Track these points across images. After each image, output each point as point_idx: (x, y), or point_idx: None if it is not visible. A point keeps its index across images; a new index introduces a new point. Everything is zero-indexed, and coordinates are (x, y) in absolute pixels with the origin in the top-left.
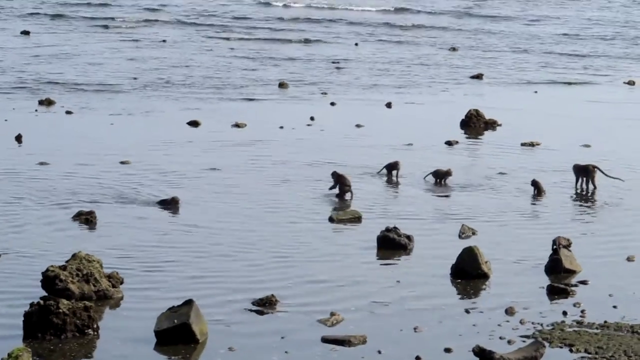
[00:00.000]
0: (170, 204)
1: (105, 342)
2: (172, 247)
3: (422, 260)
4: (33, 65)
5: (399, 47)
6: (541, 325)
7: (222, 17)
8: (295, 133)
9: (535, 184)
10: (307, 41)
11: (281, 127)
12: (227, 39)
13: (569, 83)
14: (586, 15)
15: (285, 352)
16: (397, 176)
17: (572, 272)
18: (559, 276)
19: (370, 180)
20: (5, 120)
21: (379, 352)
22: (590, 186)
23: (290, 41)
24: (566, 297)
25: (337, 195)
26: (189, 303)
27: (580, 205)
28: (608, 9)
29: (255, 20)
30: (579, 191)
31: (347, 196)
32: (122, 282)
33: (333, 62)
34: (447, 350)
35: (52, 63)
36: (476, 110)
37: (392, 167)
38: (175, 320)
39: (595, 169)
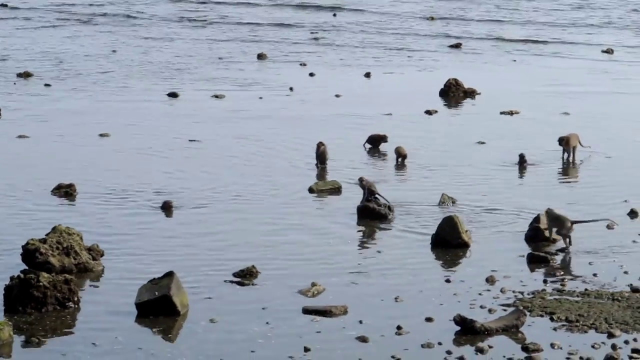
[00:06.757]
0: (164, 209)
1: (86, 315)
2: (153, 219)
3: (402, 230)
4: (11, 39)
5: (377, 16)
6: (522, 293)
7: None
8: (275, 103)
9: (521, 157)
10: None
11: (260, 98)
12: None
13: (546, 42)
14: None
15: (267, 323)
16: (365, 146)
17: (552, 241)
18: (539, 244)
19: (352, 151)
20: None
21: (360, 322)
22: (567, 156)
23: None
24: (547, 266)
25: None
26: (169, 275)
27: (560, 174)
28: None
29: None
30: (570, 159)
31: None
32: (102, 255)
33: (311, 33)
34: (428, 319)
35: (29, 37)
36: (455, 80)
37: (374, 139)
38: (156, 292)
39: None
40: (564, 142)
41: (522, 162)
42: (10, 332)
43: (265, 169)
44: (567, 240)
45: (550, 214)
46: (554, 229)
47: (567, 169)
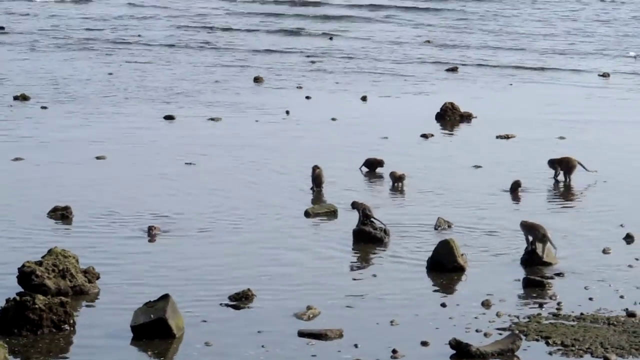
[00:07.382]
0: (148, 233)
1: (82, 338)
2: (148, 241)
3: (398, 254)
4: (8, 62)
5: (373, 41)
6: (517, 317)
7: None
8: (271, 127)
9: (515, 184)
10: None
11: (257, 121)
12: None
13: (543, 68)
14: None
15: (262, 346)
16: (361, 169)
17: (548, 265)
18: (534, 268)
19: (348, 174)
20: None
21: (356, 345)
22: (563, 178)
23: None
24: (542, 290)
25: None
26: (165, 298)
27: (557, 198)
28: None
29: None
30: (566, 183)
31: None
32: (98, 277)
33: (308, 57)
34: (424, 343)
35: (25, 60)
36: (451, 104)
37: (371, 163)
38: (152, 315)
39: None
40: (555, 163)
41: (515, 189)
42: (5, 354)
43: (261, 192)
44: (542, 246)
45: (524, 224)
46: (530, 237)
47: (563, 193)
